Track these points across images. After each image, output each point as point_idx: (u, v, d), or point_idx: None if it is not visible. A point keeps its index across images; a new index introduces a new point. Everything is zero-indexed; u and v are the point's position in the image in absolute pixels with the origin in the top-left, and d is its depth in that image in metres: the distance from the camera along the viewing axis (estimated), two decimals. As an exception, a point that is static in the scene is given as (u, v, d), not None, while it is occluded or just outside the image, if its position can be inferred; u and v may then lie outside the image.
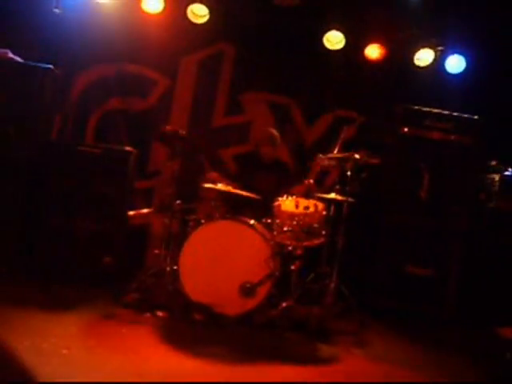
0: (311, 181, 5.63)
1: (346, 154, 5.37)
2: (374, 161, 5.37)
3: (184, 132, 5.44)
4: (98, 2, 6.42)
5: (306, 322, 5.06)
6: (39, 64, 5.81)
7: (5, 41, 5.95)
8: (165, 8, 6.53)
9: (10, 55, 5.80)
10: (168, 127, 5.45)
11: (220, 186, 5.33)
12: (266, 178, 6.02)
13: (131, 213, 6.03)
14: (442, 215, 6.18)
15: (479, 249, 6.19)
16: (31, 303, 4.79)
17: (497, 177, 6.24)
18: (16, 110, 5.69)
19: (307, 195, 5.16)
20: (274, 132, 6.21)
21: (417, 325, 5.89)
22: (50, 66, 5.85)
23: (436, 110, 6.28)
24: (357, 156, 5.32)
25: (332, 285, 5.31)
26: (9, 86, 5.68)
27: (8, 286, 5.24)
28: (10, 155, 5.64)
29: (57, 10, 6.27)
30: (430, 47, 6.77)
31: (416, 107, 6.30)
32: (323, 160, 5.56)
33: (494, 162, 6.40)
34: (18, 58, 5.83)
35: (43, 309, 4.68)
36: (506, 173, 6.25)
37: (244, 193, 5.45)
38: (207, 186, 5.37)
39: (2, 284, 5.27)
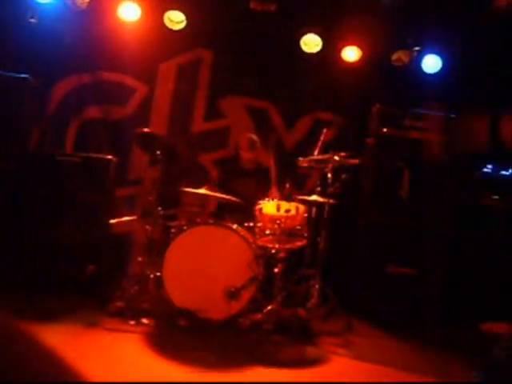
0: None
1: (326, 156, 5.41)
2: (354, 162, 5.41)
3: (161, 134, 5.43)
4: (74, 11, 6.40)
5: (291, 325, 5.07)
6: (16, 74, 5.78)
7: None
8: (142, 15, 6.54)
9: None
10: (145, 129, 5.44)
11: (201, 191, 5.34)
12: (246, 183, 6.03)
13: (113, 221, 6.01)
14: (423, 215, 6.22)
15: (461, 247, 6.24)
16: (15, 313, 4.74)
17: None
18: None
19: (288, 198, 5.17)
20: (253, 136, 6.22)
21: (402, 324, 5.90)
22: (27, 76, 5.82)
23: (414, 110, 6.34)
24: (336, 158, 5.36)
25: (316, 286, 5.34)
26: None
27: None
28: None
29: (33, 20, 6.25)
30: (407, 48, 6.84)
31: (394, 107, 6.35)
32: (303, 163, 5.59)
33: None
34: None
35: (27, 319, 4.64)
36: (484, 169, 6.32)
37: (225, 196, 5.46)
38: (188, 190, 5.38)
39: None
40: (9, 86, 5.72)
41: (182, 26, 6.58)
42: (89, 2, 6.34)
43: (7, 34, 6.30)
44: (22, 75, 5.80)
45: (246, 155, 6.16)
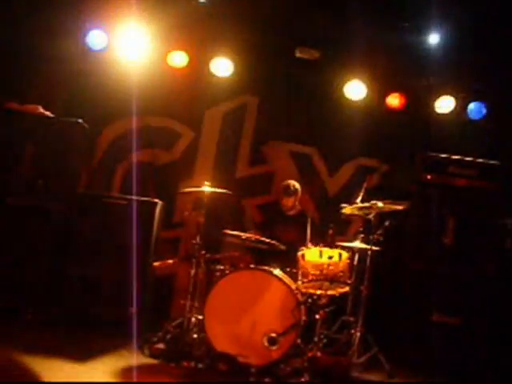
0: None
1: (370, 203, 5.40)
2: (398, 207, 5.38)
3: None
4: (125, 59, 6.61)
5: (332, 372, 5.00)
6: (68, 118, 5.99)
7: (37, 97, 6.17)
8: (189, 62, 6.72)
9: (41, 110, 6.00)
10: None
11: (245, 235, 5.39)
12: (287, 228, 6.06)
13: (156, 263, 6.08)
14: (468, 262, 6.11)
15: (508, 294, 6.09)
16: (58, 352, 4.78)
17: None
18: (46, 163, 5.85)
19: (331, 244, 5.16)
20: (293, 183, 6.27)
21: (446, 374, 5.76)
22: (80, 120, 6.02)
23: (459, 157, 6.30)
24: (380, 204, 5.35)
25: (357, 334, 5.28)
26: (39, 140, 5.87)
27: (35, 335, 5.28)
28: (40, 207, 5.77)
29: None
30: (451, 94, 6.84)
31: (438, 154, 6.32)
32: (347, 209, 5.59)
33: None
34: (48, 113, 6.01)
35: (69, 358, 4.69)
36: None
37: (268, 241, 5.49)
38: (231, 233, 5.44)
39: (29, 332, 5.31)
40: (62, 129, 5.92)
41: (228, 73, 6.73)
42: (138, 51, 6.54)
43: (60, 80, 6.55)
44: (75, 119, 5.99)
45: (283, 201, 6.21)
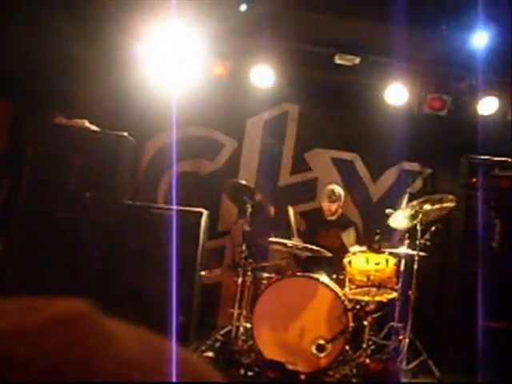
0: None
1: (416, 207, 5.36)
2: (447, 205, 5.31)
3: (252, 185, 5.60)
4: (166, 72, 6.71)
5: (381, 379, 4.99)
6: (114, 132, 6.13)
7: (83, 111, 6.33)
8: (231, 71, 6.79)
9: (87, 124, 6.15)
10: (235, 180, 5.62)
11: (290, 242, 5.43)
12: (330, 234, 6.06)
13: (203, 273, 6.15)
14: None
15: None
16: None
17: None
18: (92, 176, 6.00)
19: (377, 250, 5.16)
20: (335, 188, 6.26)
21: (494, 378, 5.67)
22: (125, 134, 6.15)
23: (503, 159, 6.22)
24: (427, 207, 5.29)
25: (406, 340, 5.25)
26: (86, 154, 6.01)
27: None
28: (87, 220, 5.90)
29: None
30: (494, 95, 6.75)
31: (483, 157, 6.26)
32: (394, 223, 5.56)
33: None
34: (94, 127, 6.16)
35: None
36: None
37: (313, 247, 5.51)
38: (277, 241, 5.48)
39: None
40: (108, 143, 6.05)
41: (269, 82, 6.77)
42: (180, 62, 6.64)
43: (105, 95, 6.70)
44: (120, 133, 6.12)
45: (325, 206, 6.20)
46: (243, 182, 5.67)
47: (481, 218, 6.10)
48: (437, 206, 5.31)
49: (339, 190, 6.24)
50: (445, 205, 5.33)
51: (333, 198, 6.15)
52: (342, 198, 6.22)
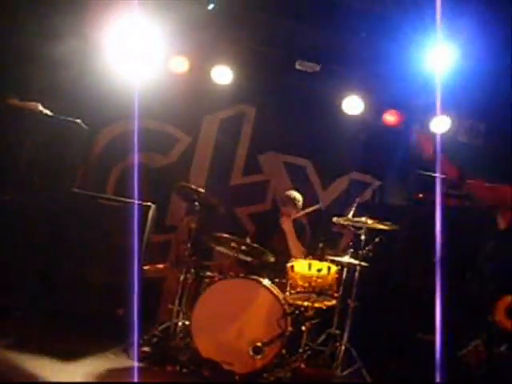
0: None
1: (360, 219, 5.46)
2: (385, 228, 5.46)
3: (202, 189, 5.59)
4: (125, 63, 6.65)
5: (315, 384, 5.04)
6: (67, 118, 6.02)
7: (38, 95, 6.20)
8: (190, 68, 6.76)
9: (40, 108, 6.03)
10: (185, 183, 5.60)
11: (233, 241, 5.44)
12: (280, 238, 6.10)
13: (146, 266, 6.10)
14: (456, 279, 6.15)
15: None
16: (42, 350, 4.79)
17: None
18: (42, 160, 5.88)
19: (320, 257, 5.22)
20: (297, 194, 6.31)
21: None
22: (78, 121, 6.05)
23: (451, 177, 6.35)
24: (369, 222, 5.41)
25: (342, 347, 5.32)
26: (36, 136, 5.89)
27: (23, 330, 5.28)
28: (34, 205, 5.79)
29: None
30: (447, 114, 6.89)
31: (431, 173, 6.37)
32: (338, 222, 5.65)
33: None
34: (47, 111, 6.04)
35: (54, 357, 4.69)
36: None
37: (260, 249, 5.53)
38: (223, 236, 5.47)
39: (18, 330, 5.31)
40: (60, 128, 5.95)
41: (228, 81, 6.78)
42: (141, 55, 6.58)
43: (62, 80, 6.58)
44: (73, 119, 6.02)
45: (286, 211, 6.23)
46: (193, 187, 5.62)
47: (425, 233, 6.20)
48: (377, 225, 5.43)
49: (299, 196, 6.29)
50: (382, 226, 5.46)
51: (294, 203, 6.21)
52: (300, 205, 6.29)
